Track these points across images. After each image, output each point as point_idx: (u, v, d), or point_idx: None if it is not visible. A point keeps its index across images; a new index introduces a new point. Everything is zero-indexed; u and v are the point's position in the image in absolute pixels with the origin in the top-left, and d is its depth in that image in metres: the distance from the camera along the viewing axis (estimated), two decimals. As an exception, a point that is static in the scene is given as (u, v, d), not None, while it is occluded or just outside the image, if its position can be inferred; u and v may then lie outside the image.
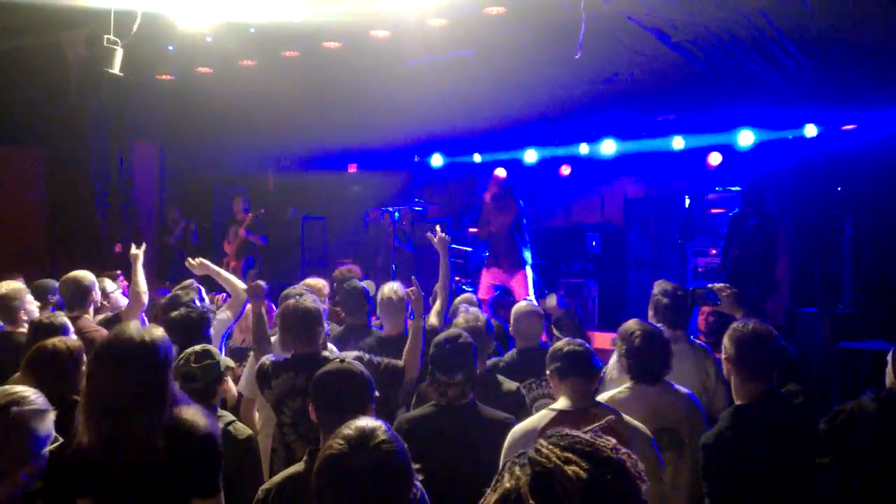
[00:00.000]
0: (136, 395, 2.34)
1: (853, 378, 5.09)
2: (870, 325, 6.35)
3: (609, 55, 7.29)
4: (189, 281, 4.71)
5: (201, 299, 4.58)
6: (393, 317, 4.33)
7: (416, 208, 10.48)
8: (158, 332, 2.51)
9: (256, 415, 4.11)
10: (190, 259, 4.91)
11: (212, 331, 4.48)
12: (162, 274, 10.21)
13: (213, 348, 3.39)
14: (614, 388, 3.30)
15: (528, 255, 7.88)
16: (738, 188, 8.41)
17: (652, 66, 7.60)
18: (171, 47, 7.99)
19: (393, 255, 9.09)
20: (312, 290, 4.96)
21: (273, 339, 4.07)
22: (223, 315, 4.75)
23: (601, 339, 6.13)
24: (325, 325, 3.66)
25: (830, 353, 5.25)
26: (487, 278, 8.02)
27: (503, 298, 8.07)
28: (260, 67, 8.30)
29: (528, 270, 7.82)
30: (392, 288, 4.37)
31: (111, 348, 2.42)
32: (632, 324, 3.34)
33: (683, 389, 3.29)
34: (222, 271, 4.96)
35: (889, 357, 3.13)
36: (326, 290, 5.30)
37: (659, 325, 3.80)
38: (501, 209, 7.91)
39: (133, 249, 4.94)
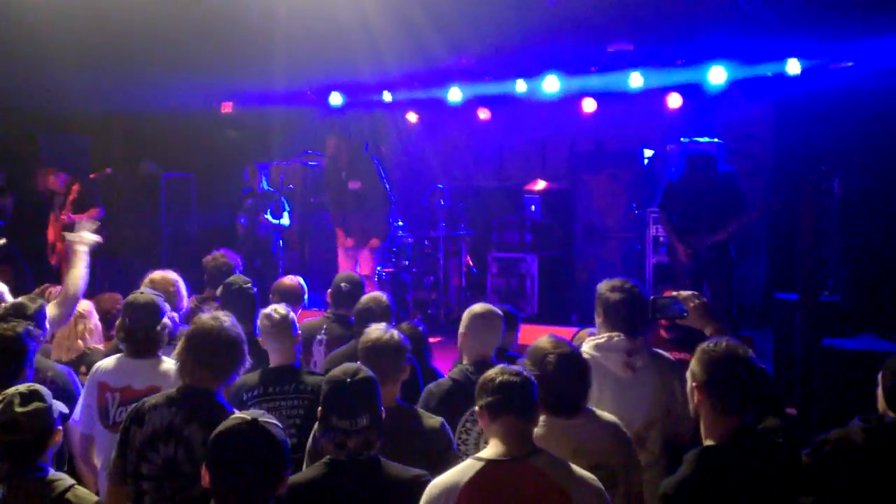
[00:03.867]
0: None
1: (838, 386, 5.28)
2: (861, 316, 6.57)
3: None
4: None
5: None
6: (278, 341, 4.15)
7: (311, 163, 10.28)
8: None
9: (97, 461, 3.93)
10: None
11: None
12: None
13: (41, 389, 3.24)
14: None
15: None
16: (706, 139, 8.55)
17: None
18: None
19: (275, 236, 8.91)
20: (159, 290, 4.48)
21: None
22: (50, 312, 4.55)
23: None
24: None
25: (812, 353, 5.41)
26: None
27: None
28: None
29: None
30: (275, 307, 4.22)
31: None
32: (544, 343, 3.32)
33: (608, 417, 3.35)
34: (80, 262, 4.80)
35: (879, 377, 3.26)
36: (181, 288, 5.01)
37: (613, 333, 3.82)
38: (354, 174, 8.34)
39: None
